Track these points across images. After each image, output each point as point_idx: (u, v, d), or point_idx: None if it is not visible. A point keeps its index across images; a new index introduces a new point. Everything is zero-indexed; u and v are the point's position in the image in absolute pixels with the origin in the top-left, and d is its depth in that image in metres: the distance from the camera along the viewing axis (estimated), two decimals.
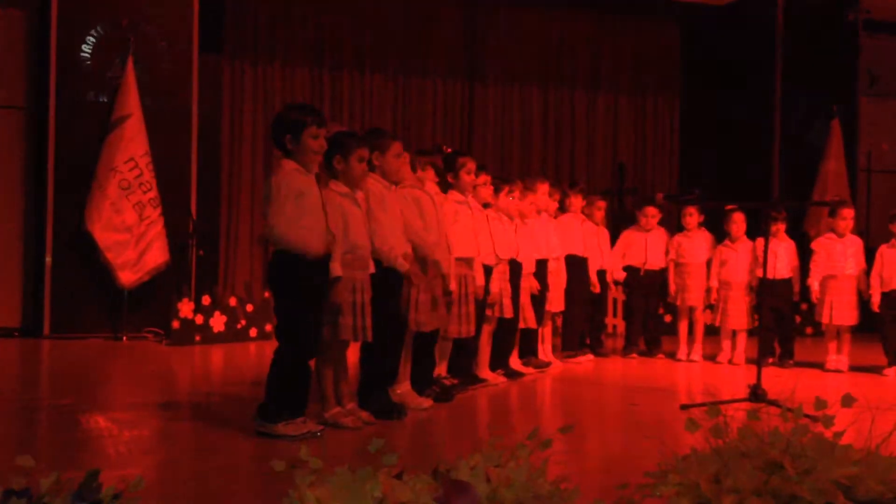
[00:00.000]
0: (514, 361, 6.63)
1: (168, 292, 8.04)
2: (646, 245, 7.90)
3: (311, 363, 4.40)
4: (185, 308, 7.76)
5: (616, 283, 8.15)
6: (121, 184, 7.86)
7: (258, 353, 7.49)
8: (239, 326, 8.11)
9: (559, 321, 7.54)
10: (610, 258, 7.91)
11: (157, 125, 8.14)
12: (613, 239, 8.07)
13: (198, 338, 7.81)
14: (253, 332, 8.16)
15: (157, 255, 7.99)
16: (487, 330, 6.12)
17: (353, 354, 4.85)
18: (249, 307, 8.19)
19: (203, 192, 8.59)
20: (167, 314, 7.81)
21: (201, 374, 6.93)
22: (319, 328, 4.41)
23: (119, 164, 7.87)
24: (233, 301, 8.14)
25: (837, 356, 7.33)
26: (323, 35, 9.35)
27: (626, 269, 7.96)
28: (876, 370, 7.18)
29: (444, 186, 5.60)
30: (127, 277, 7.89)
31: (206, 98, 8.70)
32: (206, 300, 7.94)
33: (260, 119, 9.00)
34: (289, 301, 4.27)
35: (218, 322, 7.95)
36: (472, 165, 5.84)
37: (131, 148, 7.94)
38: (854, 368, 7.30)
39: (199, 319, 7.84)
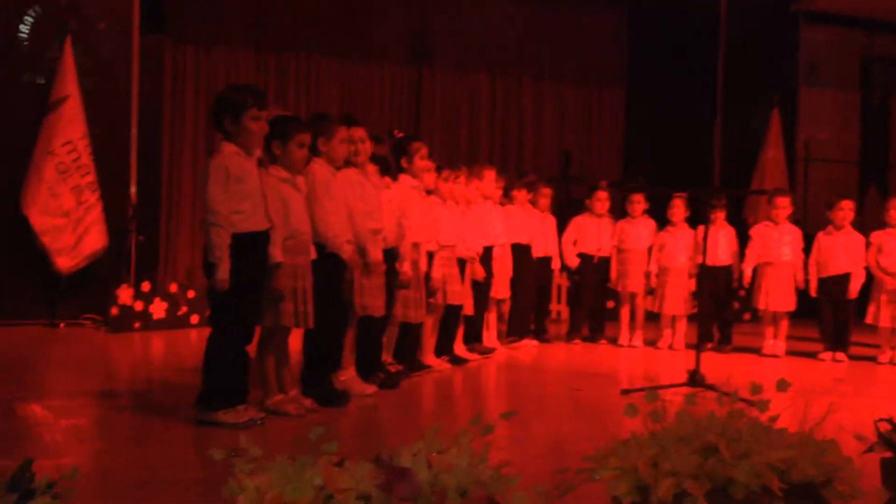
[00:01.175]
0: (459, 348, 6.65)
1: (106, 278, 7.88)
2: (599, 232, 7.95)
3: (250, 349, 4.37)
4: (124, 294, 7.63)
5: (567, 269, 8.19)
6: (58, 167, 7.68)
7: (199, 340, 7.37)
8: (180, 313, 8.00)
9: (504, 308, 7.56)
10: (557, 245, 7.94)
11: (96, 107, 7.97)
12: (559, 226, 8.11)
13: (137, 325, 7.69)
14: (194, 318, 8.05)
15: (95, 240, 7.82)
16: (431, 317, 6.12)
17: (296, 341, 4.83)
18: (191, 293, 8.07)
19: (143, 176, 8.44)
20: (105, 300, 7.67)
21: (140, 362, 6.83)
22: (255, 314, 4.37)
23: (56, 147, 7.69)
24: (173, 287, 8.02)
25: (774, 341, 7.48)
26: (268, 17, 9.22)
27: (579, 255, 7.99)
28: (812, 355, 7.34)
29: (385, 173, 5.58)
30: (64, 263, 7.73)
31: (147, 80, 8.53)
32: (145, 286, 7.81)
33: (202, 102, 8.86)
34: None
35: (158, 309, 7.83)
36: (425, 151, 5.85)
37: (69, 131, 7.76)
38: (790, 353, 7.45)
39: (139, 306, 7.71)
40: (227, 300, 4.17)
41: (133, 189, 8.28)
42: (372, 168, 5.37)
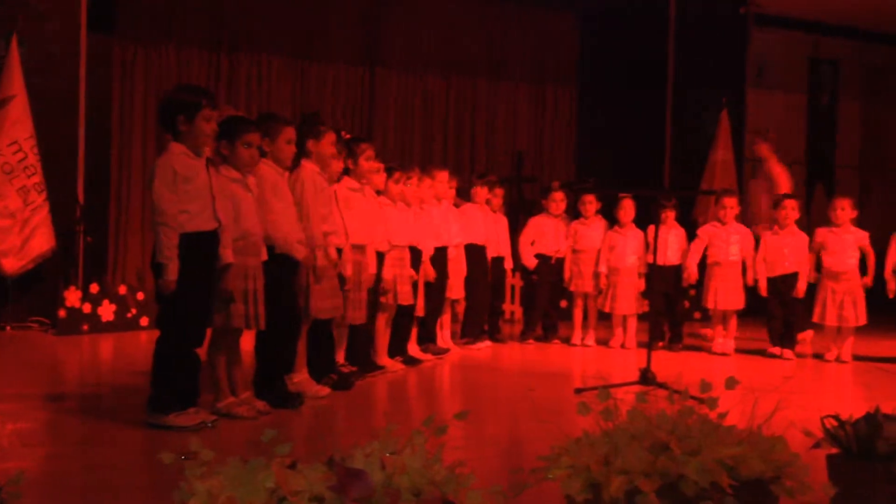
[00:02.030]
0: (413, 348, 6.64)
1: (54, 280, 7.76)
2: (556, 233, 7.99)
3: (200, 351, 4.32)
4: (72, 296, 7.51)
5: (522, 269, 8.22)
6: (3, 168, 7.53)
7: (149, 342, 7.24)
8: (129, 315, 7.89)
9: (458, 308, 7.57)
10: (510, 245, 7.96)
11: (43, 107, 7.83)
12: (511, 226, 8.14)
13: (85, 327, 7.57)
14: (144, 321, 7.94)
15: (42, 241, 7.69)
16: (384, 317, 6.11)
17: (248, 343, 4.79)
18: (140, 295, 7.97)
19: (91, 177, 8.31)
20: (53, 303, 7.54)
21: (89, 365, 6.72)
22: (205, 315, 4.32)
23: (2, 147, 7.54)
24: (122, 289, 7.91)
25: (723, 340, 7.58)
26: (219, 15, 9.11)
27: (537, 256, 8.01)
28: (760, 353, 7.45)
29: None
30: (10, 265, 7.57)
31: (95, 79, 8.40)
32: (94, 288, 7.70)
33: (151, 102, 8.73)
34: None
35: (107, 311, 7.72)
36: (371, 152, 5.83)
37: (15, 130, 7.61)
38: (739, 351, 7.56)
39: (87, 308, 7.59)
40: (175, 301, 4.13)
41: (81, 190, 8.16)
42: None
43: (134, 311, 7.93)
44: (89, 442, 4.05)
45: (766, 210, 8.28)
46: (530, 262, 8.02)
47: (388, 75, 9.93)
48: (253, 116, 6.29)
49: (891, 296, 7.25)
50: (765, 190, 8.51)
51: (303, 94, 9.53)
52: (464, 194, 7.67)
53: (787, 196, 7.68)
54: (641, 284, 7.71)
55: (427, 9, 10.11)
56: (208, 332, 4.44)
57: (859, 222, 7.42)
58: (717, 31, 10.68)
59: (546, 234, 8.01)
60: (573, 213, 8.23)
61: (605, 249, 7.78)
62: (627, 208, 7.77)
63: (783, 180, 8.53)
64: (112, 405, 4.89)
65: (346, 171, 5.68)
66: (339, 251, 5.30)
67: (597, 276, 7.81)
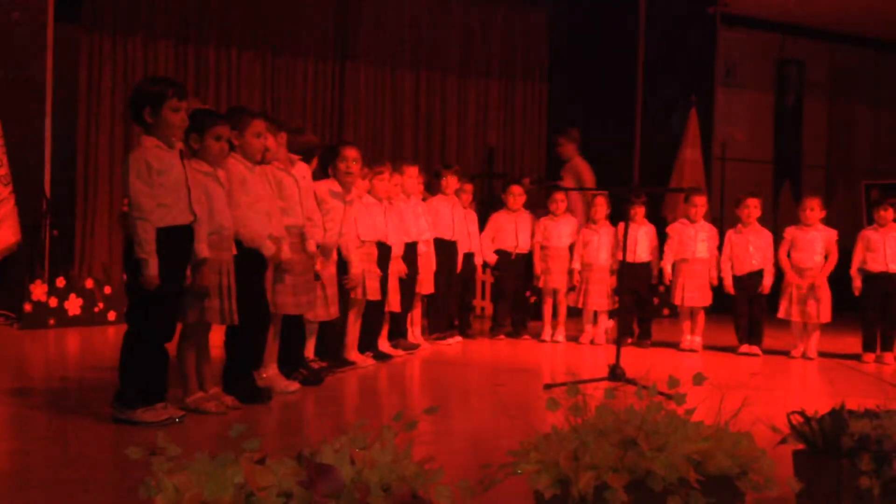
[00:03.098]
0: (383, 343, 6.64)
1: (20, 274, 7.67)
2: (516, 228, 8.02)
3: (169, 346, 4.29)
4: (38, 290, 7.43)
5: (487, 266, 8.25)
6: None
7: (117, 337, 7.19)
8: (96, 310, 7.82)
9: (425, 303, 7.57)
10: (479, 241, 7.98)
11: (10, 99, 7.74)
12: (482, 222, 8.16)
13: (52, 321, 7.50)
14: (111, 315, 7.88)
15: (7, 234, 7.59)
16: (353, 312, 6.10)
17: (216, 337, 4.76)
18: (107, 289, 7.90)
19: (58, 169, 8.22)
20: (19, 297, 7.46)
21: (55, 359, 6.65)
22: (176, 311, 4.29)
23: None
24: (89, 283, 7.84)
25: (691, 336, 7.64)
26: (188, 7, 9.04)
27: (497, 252, 8.04)
28: (729, 350, 7.51)
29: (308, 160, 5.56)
30: None
31: (62, 71, 8.31)
32: (60, 282, 7.62)
33: (119, 94, 8.64)
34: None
35: (73, 305, 7.65)
36: (346, 153, 5.81)
37: None
38: (707, 348, 7.62)
39: (54, 302, 7.52)
40: (147, 296, 4.09)
41: (47, 182, 8.06)
42: (296, 158, 5.34)
43: (101, 305, 7.86)
44: (55, 437, 4.01)
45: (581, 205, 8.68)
46: (490, 257, 8.05)
47: (358, 69, 9.90)
48: (222, 110, 6.27)
49: (856, 293, 7.35)
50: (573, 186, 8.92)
51: (272, 87, 9.47)
52: (431, 189, 7.65)
53: (749, 194, 7.74)
54: (614, 281, 7.76)
55: (398, 3, 10.09)
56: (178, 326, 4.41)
57: (825, 221, 7.51)
58: (687, 31, 10.75)
59: (505, 230, 8.04)
60: (543, 210, 8.25)
61: (580, 246, 7.83)
62: (600, 206, 7.82)
63: (588, 176, 8.89)
64: (79, 400, 4.85)
65: (326, 176, 5.71)
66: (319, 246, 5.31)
67: (570, 272, 7.85)
